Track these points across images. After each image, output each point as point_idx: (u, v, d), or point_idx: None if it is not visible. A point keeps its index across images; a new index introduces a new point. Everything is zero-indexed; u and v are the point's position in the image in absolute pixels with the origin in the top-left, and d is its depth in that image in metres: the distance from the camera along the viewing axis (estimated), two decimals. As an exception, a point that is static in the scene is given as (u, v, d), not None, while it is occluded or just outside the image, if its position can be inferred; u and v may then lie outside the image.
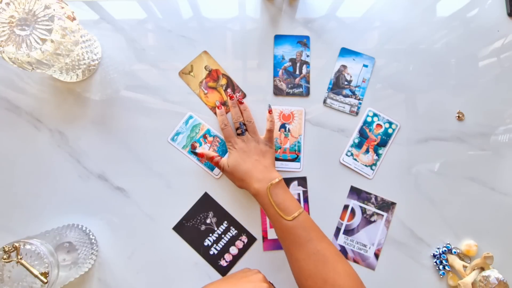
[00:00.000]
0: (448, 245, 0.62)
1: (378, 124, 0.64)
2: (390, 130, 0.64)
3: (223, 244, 0.61)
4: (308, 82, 0.65)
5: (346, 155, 0.63)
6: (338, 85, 0.65)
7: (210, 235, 0.61)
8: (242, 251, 0.61)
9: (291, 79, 0.65)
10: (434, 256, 0.62)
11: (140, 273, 0.60)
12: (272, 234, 0.62)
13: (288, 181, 0.63)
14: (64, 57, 0.50)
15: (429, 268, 0.62)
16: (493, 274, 0.56)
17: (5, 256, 0.44)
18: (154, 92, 0.63)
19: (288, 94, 0.64)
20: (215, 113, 0.63)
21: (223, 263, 0.61)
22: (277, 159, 0.63)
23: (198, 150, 0.61)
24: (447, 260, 0.61)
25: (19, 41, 0.47)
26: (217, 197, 0.62)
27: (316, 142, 0.64)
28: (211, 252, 0.61)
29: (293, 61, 0.65)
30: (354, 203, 0.63)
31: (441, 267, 0.61)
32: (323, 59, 0.65)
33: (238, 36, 0.65)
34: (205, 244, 0.61)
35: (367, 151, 0.63)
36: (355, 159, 0.63)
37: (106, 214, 0.61)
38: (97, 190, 0.61)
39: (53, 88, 0.63)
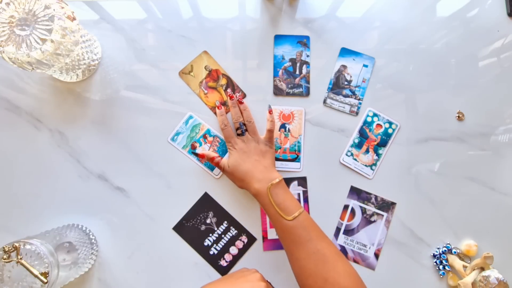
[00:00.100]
0: (448, 245, 0.62)
1: (378, 124, 0.64)
2: (390, 130, 0.64)
3: (223, 244, 0.61)
4: (308, 82, 0.65)
5: (346, 155, 0.63)
6: (338, 85, 0.65)
7: (210, 235, 0.61)
8: (242, 251, 0.61)
9: (291, 79, 0.65)
10: (434, 256, 0.62)
11: (140, 273, 0.60)
12: (272, 234, 0.62)
13: (288, 181, 0.63)
14: (64, 57, 0.50)
15: (429, 268, 0.62)
16: (493, 274, 0.56)
17: (5, 256, 0.44)
18: (154, 92, 0.63)
19: (288, 94, 0.64)
20: (215, 113, 0.63)
21: (223, 263, 0.61)
22: (277, 159, 0.63)
23: (198, 150, 0.61)
24: (447, 260, 0.61)
25: (19, 41, 0.47)
26: (217, 197, 0.62)
27: (316, 142, 0.64)
28: (211, 252, 0.61)
29: (293, 61, 0.65)
30: (354, 203, 0.63)
31: (441, 267, 0.61)
32: (323, 59, 0.65)
33: (238, 36, 0.65)
34: (205, 244, 0.61)
35: (367, 151, 0.63)
36: (355, 159, 0.63)
37: (106, 214, 0.61)
38: (97, 190, 0.61)
39: (53, 88, 0.63)
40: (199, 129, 0.63)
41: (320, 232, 0.51)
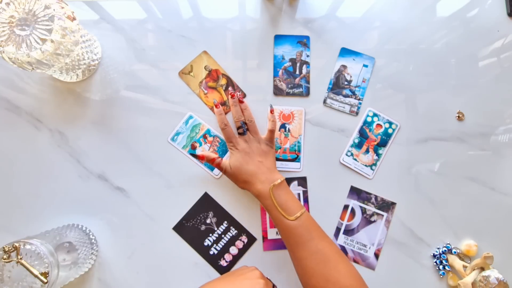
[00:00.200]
0: (448, 245, 0.62)
1: (378, 124, 0.64)
2: (390, 130, 0.64)
3: (223, 244, 0.61)
4: (308, 82, 0.65)
5: (346, 155, 0.63)
6: (338, 85, 0.65)
7: (210, 235, 0.61)
8: (242, 251, 0.61)
9: (291, 79, 0.65)
10: (434, 256, 0.62)
11: (140, 273, 0.60)
12: (272, 234, 0.62)
13: (288, 181, 0.63)
14: (64, 57, 0.50)
15: (429, 268, 0.62)
16: (493, 274, 0.56)
17: (5, 256, 0.44)
18: (154, 92, 0.63)
19: (288, 94, 0.64)
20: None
21: (223, 263, 0.61)
22: (277, 159, 0.63)
23: (198, 152, 0.60)
24: (447, 260, 0.61)
25: (19, 41, 0.47)
26: (217, 197, 0.62)
27: (316, 142, 0.64)
28: (211, 252, 0.61)
29: (293, 61, 0.65)
30: (354, 203, 0.63)
31: (441, 267, 0.61)
32: (323, 59, 0.65)
33: (238, 36, 0.65)
34: (205, 244, 0.61)
35: (367, 151, 0.63)
36: (355, 159, 0.63)
37: (106, 214, 0.61)
38: (97, 190, 0.61)
39: (53, 88, 0.63)
40: (199, 129, 0.63)
41: (321, 232, 0.51)
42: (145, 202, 0.61)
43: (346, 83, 0.65)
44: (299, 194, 0.63)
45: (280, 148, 0.63)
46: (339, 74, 0.65)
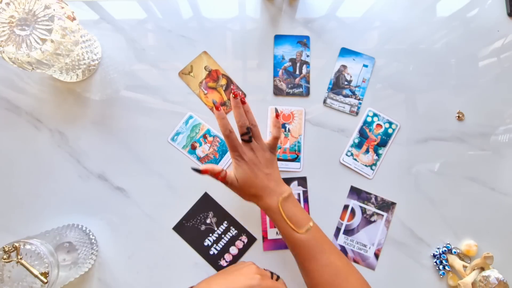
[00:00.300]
0: (448, 245, 0.62)
1: (378, 124, 0.64)
2: (390, 130, 0.64)
3: (223, 244, 0.61)
4: (308, 82, 0.65)
5: (346, 155, 0.63)
6: (338, 85, 0.65)
7: (210, 235, 0.61)
8: (242, 251, 0.61)
9: (291, 79, 0.65)
10: (434, 256, 0.62)
11: (140, 273, 0.60)
12: (272, 234, 0.62)
13: (288, 181, 0.63)
14: (64, 57, 0.50)
15: (429, 268, 0.62)
16: (493, 274, 0.56)
17: (5, 256, 0.44)
18: (154, 92, 0.63)
19: (288, 94, 0.64)
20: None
21: (223, 263, 0.61)
22: (277, 159, 0.63)
23: (202, 166, 0.52)
24: (447, 260, 0.61)
25: (19, 41, 0.47)
26: (217, 197, 0.62)
27: (316, 142, 0.64)
28: (211, 252, 0.61)
29: (293, 61, 0.65)
30: (354, 203, 0.63)
31: (441, 267, 0.61)
32: (323, 59, 0.65)
33: (238, 36, 0.65)
34: (205, 244, 0.61)
35: (367, 151, 0.63)
36: (355, 159, 0.63)
37: (106, 214, 0.61)
38: (97, 190, 0.61)
39: (53, 88, 0.63)
40: (199, 129, 0.63)
41: (331, 243, 0.50)
42: (145, 202, 0.61)
43: (346, 83, 0.65)
44: (299, 194, 0.63)
45: (280, 148, 0.63)
46: (339, 74, 0.65)
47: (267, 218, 0.62)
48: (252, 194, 0.51)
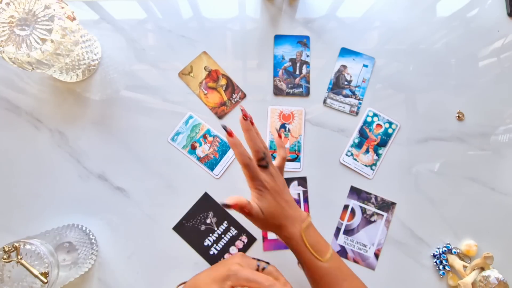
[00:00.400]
0: (448, 245, 0.62)
1: (378, 124, 0.64)
2: (390, 130, 0.64)
3: (223, 244, 0.61)
4: (308, 82, 0.65)
5: (346, 155, 0.63)
6: (338, 85, 0.65)
7: (210, 235, 0.61)
8: (242, 251, 0.61)
9: (291, 79, 0.65)
10: (434, 256, 0.62)
11: (140, 273, 0.60)
12: (272, 234, 0.62)
13: (288, 181, 0.63)
14: (64, 57, 0.50)
15: (429, 268, 0.62)
16: (493, 274, 0.56)
17: (5, 256, 0.44)
18: (154, 92, 0.63)
19: (288, 94, 0.64)
20: (215, 113, 0.63)
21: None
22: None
23: (230, 201, 0.45)
24: (447, 260, 0.61)
25: (19, 41, 0.47)
26: (217, 197, 0.62)
27: (316, 142, 0.64)
28: (211, 252, 0.61)
29: (293, 61, 0.65)
30: (354, 203, 0.63)
31: (441, 267, 0.61)
32: (323, 59, 0.65)
33: (238, 36, 0.65)
34: (205, 244, 0.61)
35: (367, 151, 0.63)
36: (355, 159, 0.63)
37: (106, 214, 0.61)
38: (97, 190, 0.61)
39: (53, 88, 0.63)
40: (199, 129, 0.63)
41: (349, 269, 0.49)
42: (145, 202, 0.61)
43: (346, 83, 0.65)
44: (299, 194, 0.63)
45: (280, 148, 0.63)
46: (339, 74, 0.65)
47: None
48: (276, 224, 0.47)
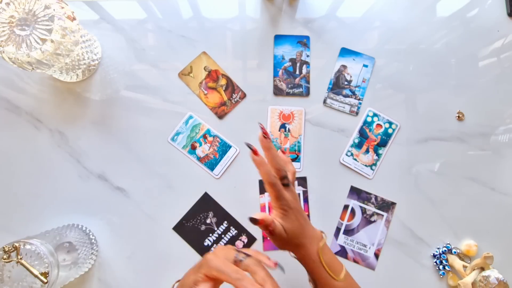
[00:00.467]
0: (448, 245, 0.62)
1: (378, 124, 0.64)
2: (390, 130, 0.64)
3: (223, 244, 0.61)
4: (308, 82, 0.65)
5: (346, 155, 0.63)
6: (338, 85, 0.65)
7: (210, 235, 0.61)
8: (242, 251, 0.61)
9: (291, 79, 0.65)
10: (434, 256, 0.62)
11: (140, 273, 0.60)
12: (272, 234, 0.62)
13: (288, 181, 0.62)
14: (64, 57, 0.50)
15: (429, 268, 0.62)
16: (493, 274, 0.56)
17: (5, 256, 0.44)
18: (154, 92, 0.63)
19: (288, 94, 0.64)
20: (215, 113, 0.63)
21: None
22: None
23: (256, 216, 0.44)
24: (447, 260, 0.61)
25: (19, 41, 0.47)
26: (217, 197, 0.62)
27: (316, 142, 0.64)
28: (211, 252, 0.61)
29: (293, 61, 0.65)
30: (354, 203, 0.63)
31: (441, 267, 0.61)
32: (323, 59, 0.65)
33: (238, 36, 0.65)
34: (205, 244, 0.61)
35: (367, 151, 0.63)
36: (355, 159, 0.63)
37: (106, 214, 0.61)
38: (97, 190, 0.61)
39: (53, 88, 0.63)
40: (199, 129, 0.63)
41: (360, 287, 0.49)
42: (145, 202, 0.61)
43: (346, 83, 0.65)
44: (299, 194, 0.63)
45: (280, 148, 0.63)
46: (339, 74, 0.65)
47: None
48: (295, 243, 0.46)
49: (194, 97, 0.64)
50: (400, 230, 0.62)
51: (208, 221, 0.61)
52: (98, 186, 0.61)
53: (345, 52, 0.65)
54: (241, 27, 0.66)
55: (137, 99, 0.63)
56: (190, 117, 0.63)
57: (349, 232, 0.62)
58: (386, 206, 0.63)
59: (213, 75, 0.64)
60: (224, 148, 0.63)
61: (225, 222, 0.61)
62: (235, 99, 0.64)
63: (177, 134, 0.63)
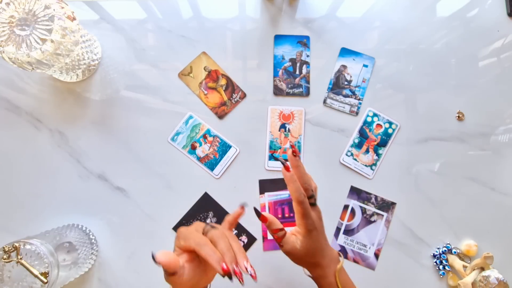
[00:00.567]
0: (448, 245, 0.62)
1: (378, 124, 0.64)
2: (390, 130, 0.64)
3: (223, 244, 0.61)
4: (308, 82, 0.65)
5: (346, 155, 0.63)
6: (338, 85, 0.65)
7: (210, 235, 0.61)
8: (242, 251, 0.61)
9: (291, 79, 0.65)
10: (434, 256, 0.62)
11: (140, 273, 0.60)
12: (272, 234, 0.62)
13: (288, 181, 0.62)
14: (64, 57, 0.50)
15: (429, 268, 0.62)
16: (493, 274, 0.56)
17: (5, 256, 0.44)
18: (154, 92, 0.63)
19: (288, 94, 0.64)
20: (216, 113, 0.63)
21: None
22: (277, 159, 0.63)
23: (265, 213, 0.45)
24: (447, 260, 0.61)
25: (19, 41, 0.47)
26: (217, 197, 0.62)
27: (316, 142, 0.64)
28: (211, 252, 0.61)
29: (293, 61, 0.65)
30: (354, 203, 0.63)
31: (441, 267, 0.61)
32: (323, 59, 0.65)
33: (238, 36, 0.65)
34: (205, 244, 0.61)
35: (367, 151, 0.63)
36: (355, 159, 0.63)
37: (106, 214, 0.61)
38: (97, 190, 0.61)
39: (53, 88, 0.63)
40: (199, 129, 0.63)
41: None
42: (145, 202, 0.61)
43: (346, 83, 0.65)
44: (299, 194, 0.62)
45: (280, 148, 0.63)
46: (339, 74, 0.65)
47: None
48: (312, 262, 0.45)
49: (194, 97, 0.64)
50: (400, 230, 0.62)
51: (208, 221, 0.61)
52: (98, 186, 0.61)
53: (345, 52, 0.65)
54: (241, 27, 0.66)
55: (137, 99, 0.63)
56: (190, 117, 0.63)
57: (349, 232, 0.62)
58: (386, 206, 0.63)
59: (213, 75, 0.64)
60: (224, 148, 0.63)
61: (225, 222, 0.61)
62: (235, 99, 0.64)
63: (177, 134, 0.63)
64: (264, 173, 0.63)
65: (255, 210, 0.44)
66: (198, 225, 0.41)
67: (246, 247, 0.61)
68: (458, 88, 0.65)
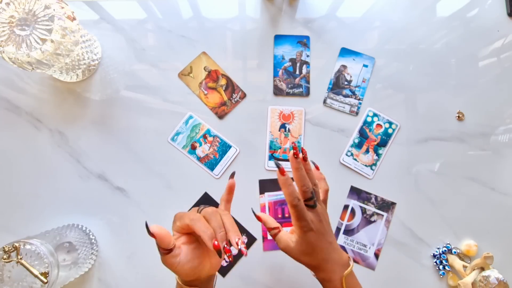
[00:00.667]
0: (448, 245, 0.62)
1: (378, 124, 0.64)
2: (390, 130, 0.64)
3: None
4: (308, 82, 0.65)
5: (346, 155, 0.63)
6: (338, 85, 0.65)
7: (210, 235, 0.61)
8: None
9: (291, 79, 0.65)
10: (434, 256, 0.62)
11: (140, 273, 0.60)
12: (272, 234, 0.62)
13: (288, 181, 0.62)
14: (64, 57, 0.50)
15: (429, 268, 0.62)
16: (493, 274, 0.56)
17: (5, 256, 0.44)
18: (154, 92, 0.63)
19: (288, 94, 0.64)
20: (216, 113, 0.63)
21: (223, 263, 0.61)
22: (277, 159, 0.63)
23: (258, 213, 0.47)
24: (447, 260, 0.61)
25: (19, 41, 0.47)
26: (217, 197, 0.62)
27: (316, 142, 0.64)
28: (211, 252, 0.61)
29: (293, 61, 0.65)
30: (354, 203, 0.63)
31: (441, 267, 0.61)
32: (323, 59, 0.65)
33: (238, 36, 0.65)
34: (205, 244, 0.61)
35: (367, 151, 0.63)
36: (355, 159, 0.63)
37: (106, 214, 0.61)
38: (97, 190, 0.61)
39: (53, 88, 0.63)
40: (199, 129, 0.63)
41: None
42: (145, 202, 0.61)
43: (346, 83, 0.65)
44: (299, 194, 0.63)
45: (280, 148, 0.63)
46: (339, 74, 0.65)
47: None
48: (314, 265, 0.45)
49: (194, 97, 0.64)
50: (400, 230, 0.62)
51: (208, 221, 0.61)
52: (98, 186, 0.61)
53: (345, 52, 0.65)
54: (241, 27, 0.66)
55: (137, 99, 0.63)
56: (190, 117, 0.63)
57: (349, 232, 0.62)
58: (386, 206, 0.63)
59: (213, 75, 0.64)
60: (224, 148, 0.63)
61: (225, 222, 0.61)
62: (235, 99, 0.64)
63: (177, 134, 0.63)
64: (264, 173, 0.63)
65: (253, 211, 0.47)
66: (194, 209, 0.44)
67: (246, 247, 0.61)
68: (458, 88, 0.65)
